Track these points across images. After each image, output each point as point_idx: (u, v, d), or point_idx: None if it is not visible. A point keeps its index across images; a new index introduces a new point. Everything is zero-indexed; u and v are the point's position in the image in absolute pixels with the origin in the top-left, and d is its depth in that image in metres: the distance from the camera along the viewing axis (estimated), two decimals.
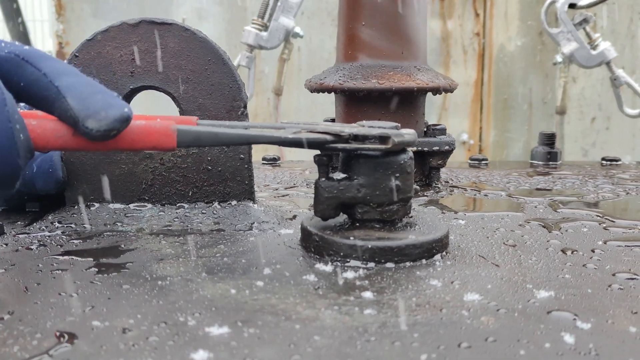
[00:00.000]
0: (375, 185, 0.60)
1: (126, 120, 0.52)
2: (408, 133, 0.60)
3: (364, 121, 0.63)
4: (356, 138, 0.59)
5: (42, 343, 0.42)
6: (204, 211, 0.75)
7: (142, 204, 0.76)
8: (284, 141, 0.59)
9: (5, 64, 0.51)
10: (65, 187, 0.74)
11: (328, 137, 0.59)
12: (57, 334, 0.43)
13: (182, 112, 0.75)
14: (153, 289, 0.52)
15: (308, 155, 0.64)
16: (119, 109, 0.52)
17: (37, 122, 0.52)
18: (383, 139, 0.59)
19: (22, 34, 2.53)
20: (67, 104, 0.51)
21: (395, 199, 0.61)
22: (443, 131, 1.05)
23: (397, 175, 0.60)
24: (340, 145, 0.59)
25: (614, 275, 0.57)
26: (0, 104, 0.47)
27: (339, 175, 0.62)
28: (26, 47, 0.53)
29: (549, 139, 1.34)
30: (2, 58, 0.52)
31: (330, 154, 0.61)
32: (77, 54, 0.73)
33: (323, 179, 0.61)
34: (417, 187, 0.64)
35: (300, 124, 0.61)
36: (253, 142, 0.61)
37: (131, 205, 0.75)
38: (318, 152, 0.62)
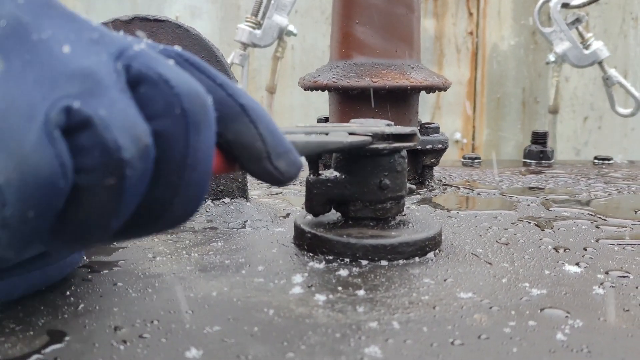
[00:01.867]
0: (364, 183, 0.60)
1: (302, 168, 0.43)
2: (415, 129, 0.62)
3: (356, 119, 0.64)
4: (388, 137, 0.60)
5: (33, 341, 0.41)
6: None
7: None
8: (345, 147, 0.57)
9: (155, 92, 0.35)
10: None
11: (368, 139, 0.58)
12: (49, 331, 0.43)
13: None
14: (146, 286, 0.52)
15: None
16: (298, 155, 0.43)
17: None
18: (410, 136, 0.60)
19: None
20: (254, 132, 0.39)
21: (384, 197, 0.61)
22: (436, 129, 1.05)
23: (386, 173, 0.60)
24: (381, 145, 0.59)
25: (606, 273, 0.57)
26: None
27: (331, 172, 0.62)
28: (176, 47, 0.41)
29: (542, 138, 1.35)
30: (154, 84, 0.34)
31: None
32: None
33: (312, 176, 0.62)
34: (413, 186, 0.64)
35: (328, 126, 0.60)
36: (322, 151, 0.56)
37: None
38: None
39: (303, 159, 0.50)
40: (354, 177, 0.61)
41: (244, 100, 0.39)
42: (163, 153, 0.34)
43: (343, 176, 0.61)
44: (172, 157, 0.34)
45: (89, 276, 0.54)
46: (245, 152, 0.40)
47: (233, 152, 0.40)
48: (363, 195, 0.61)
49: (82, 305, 0.47)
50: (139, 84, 0.34)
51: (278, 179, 0.41)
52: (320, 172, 0.62)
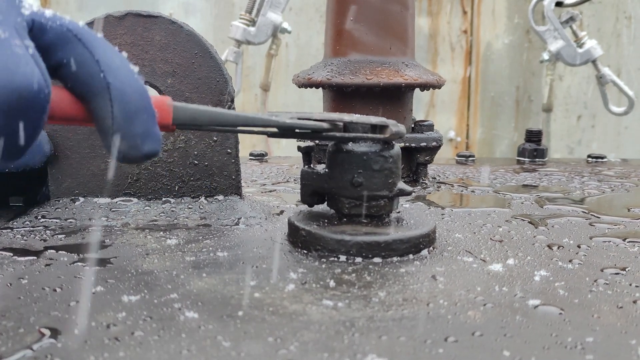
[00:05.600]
0: (339, 178, 0.61)
1: (154, 156, 0.46)
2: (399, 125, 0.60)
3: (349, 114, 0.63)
4: (352, 128, 0.59)
5: (24, 338, 0.41)
6: (190, 206, 0.75)
7: (128, 198, 0.75)
8: (281, 125, 0.57)
9: (52, 35, 0.44)
10: (51, 161, 0.73)
11: (325, 125, 0.58)
12: (40, 329, 0.42)
13: None
14: (139, 283, 0.52)
15: (295, 151, 0.64)
16: (154, 145, 0.46)
17: (55, 92, 0.45)
18: (381, 128, 0.59)
19: None
20: (109, 110, 0.44)
21: (357, 195, 0.60)
22: (430, 127, 1.05)
23: (360, 171, 0.60)
24: (338, 134, 0.59)
25: (600, 270, 0.57)
26: (42, 85, 0.40)
27: (320, 166, 0.64)
28: (81, 24, 0.46)
29: (536, 136, 1.35)
30: (52, 29, 0.43)
31: (313, 144, 0.62)
32: None
33: (305, 167, 0.64)
34: (409, 187, 0.63)
35: (293, 112, 0.60)
36: (251, 125, 0.57)
37: (117, 200, 0.75)
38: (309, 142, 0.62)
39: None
40: (332, 171, 0.62)
41: (112, 79, 0.44)
42: None
43: (326, 170, 0.62)
44: None
45: (81, 273, 0.54)
46: (97, 124, 0.45)
47: (92, 117, 0.45)
48: (340, 191, 0.61)
49: (73, 303, 0.47)
50: None
51: (115, 155, 0.45)
52: (312, 165, 0.65)
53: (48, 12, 0.44)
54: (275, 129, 0.58)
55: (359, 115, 0.61)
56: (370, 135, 0.59)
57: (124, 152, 0.45)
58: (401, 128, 0.60)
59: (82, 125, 0.49)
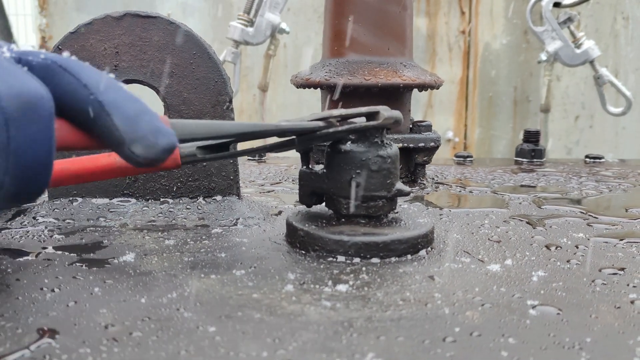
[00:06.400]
0: (337, 178, 0.61)
1: (172, 149, 0.47)
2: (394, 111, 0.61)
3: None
4: (345, 121, 0.60)
5: (23, 338, 0.41)
6: (188, 206, 0.75)
7: (126, 199, 0.75)
8: (278, 130, 0.58)
9: (39, 70, 0.45)
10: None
11: (320, 123, 0.59)
12: (39, 329, 0.42)
13: (166, 107, 0.74)
14: (137, 284, 0.52)
15: (293, 152, 0.64)
16: (168, 137, 0.47)
17: (58, 124, 0.46)
18: (372, 115, 0.59)
19: (4, 28, 2.50)
20: (111, 123, 0.45)
21: (355, 196, 0.61)
22: (429, 127, 1.05)
23: (358, 171, 0.60)
24: (332, 130, 0.59)
25: (598, 270, 0.57)
26: (47, 104, 0.43)
27: (319, 166, 0.64)
28: (64, 54, 0.48)
29: (534, 137, 1.35)
30: (37, 64, 0.46)
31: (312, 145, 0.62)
32: (60, 47, 0.72)
33: (303, 168, 0.64)
34: (407, 188, 0.63)
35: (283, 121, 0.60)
36: (250, 135, 0.58)
37: (115, 200, 0.75)
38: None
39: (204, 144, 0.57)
40: (330, 172, 0.62)
41: (103, 97, 0.45)
42: None
43: (325, 170, 0.62)
44: None
45: (79, 274, 0.54)
46: (107, 142, 0.47)
47: (102, 141, 0.47)
48: (338, 191, 0.61)
49: (71, 303, 0.47)
50: None
51: (137, 162, 0.46)
52: (310, 165, 0.65)
53: (27, 49, 0.47)
54: (276, 139, 0.60)
55: (348, 109, 0.61)
56: (364, 124, 0.59)
57: (144, 155, 0.46)
58: (395, 113, 0.60)
59: (87, 149, 0.50)
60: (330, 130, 0.59)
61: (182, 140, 0.53)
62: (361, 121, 0.60)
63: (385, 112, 0.59)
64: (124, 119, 0.45)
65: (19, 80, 0.42)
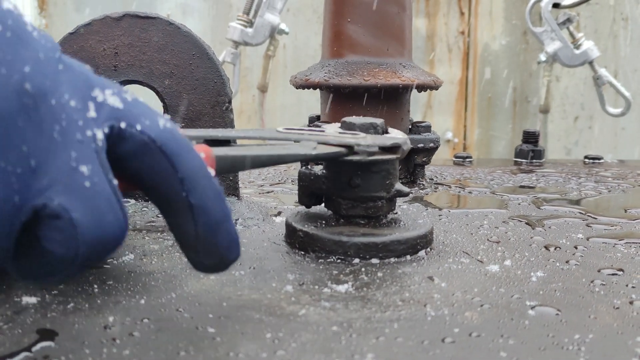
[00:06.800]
0: (337, 179, 0.61)
1: (236, 261, 0.44)
2: (405, 138, 0.61)
3: (349, 117, 0.63)
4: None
5: (22, 339, 0.41)
6: None
7: (126, 199, 0.75)
8: (309, 158, 0.59)
9: (132, 145, 0.39)
10: None
11: (343, 150, 0.58)
12: (38, 330, 0.42)
13: (165, 107, 0.74)
14: (136, 284, 0.52)
15: None
16: (238, 250, 0.43)
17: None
18: (394, 149, 0.60)
19: None
20: (192, 228, 0.40)
21: (355, 196, 0.61)
22: (428, 128, 1.05)
23: (358, 172, 0.60)
24: (355, 158, 0.59)
25: (597, 271, 0.57)
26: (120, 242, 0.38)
27: (318, 167, 0.64)
28: (168, 126, 0.40)
29: (533, 137, 1.35)
30: (131, 137, 0.38)
31: None
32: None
33: (302, 168, 0.64)
34: (407, 189, 0.63)
35: (305, 133, 0.60)
36: (283, 162, 0.58)
37: None
38: None
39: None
40: (330, 172, 0.62)
41: (195, 200, 0.40)
42: None
43: (324, 171, 0.62)
44: None
45: (79, 274, 0.54)
46: (176, 237, 0.42)
47: (170, 228, 0.42)
48: (337, 192, 0.61)
49: (71, 304, 0.47)
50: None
51: (199, 268, 0.43)
52: (310, 166, 0.65)
53: (127, 110, 0.39)
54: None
55: (372, 136, 0.61)
56: (384, 157, 0.60)
57: (212, 267, 0.43)
58: (409, 144, 0.61)
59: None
60: (355, 159, 0.59)
61: (222, 172, 0.50)
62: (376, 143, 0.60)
63: (405, 145, 0.60)
64: (206, 227, 0.40)
65: (103, 214, 0.36)
